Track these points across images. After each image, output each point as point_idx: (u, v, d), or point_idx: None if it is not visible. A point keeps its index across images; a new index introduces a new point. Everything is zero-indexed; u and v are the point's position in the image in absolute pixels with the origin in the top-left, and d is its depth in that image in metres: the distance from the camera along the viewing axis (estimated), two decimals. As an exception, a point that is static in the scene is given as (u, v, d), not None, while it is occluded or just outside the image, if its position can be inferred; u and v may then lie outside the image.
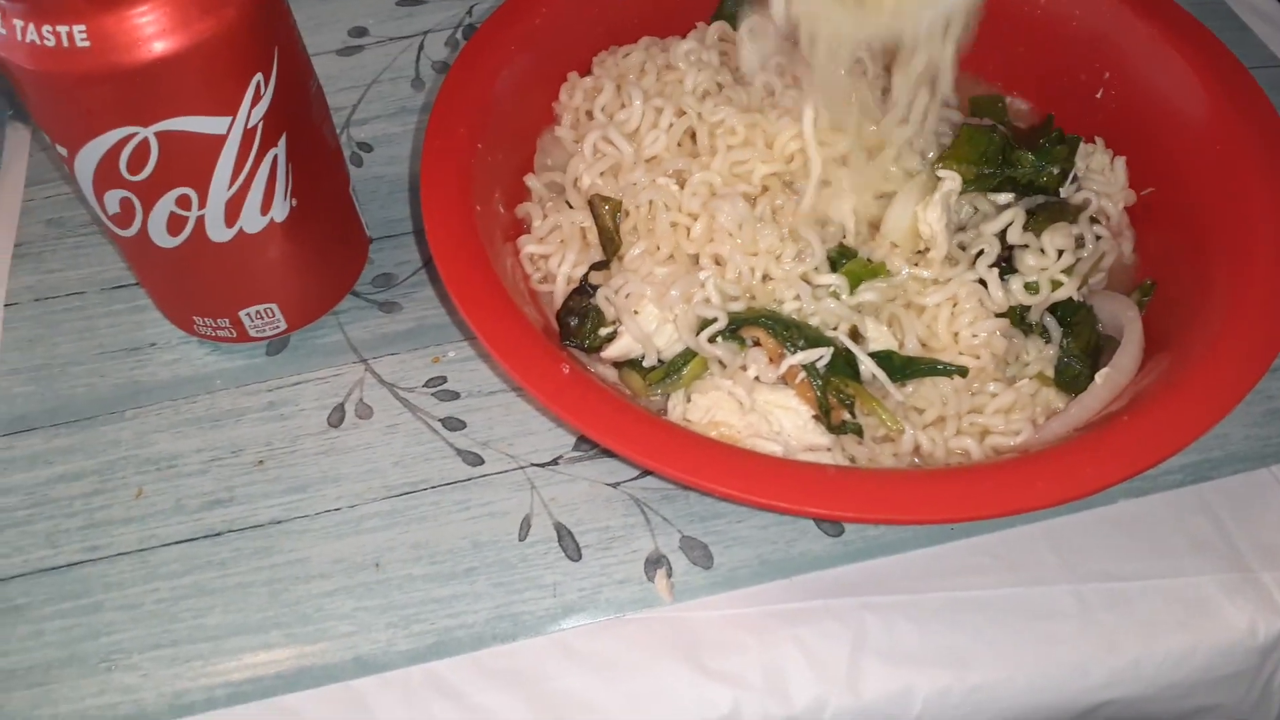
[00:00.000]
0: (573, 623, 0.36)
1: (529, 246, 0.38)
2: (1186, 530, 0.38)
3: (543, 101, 0.43)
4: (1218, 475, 0.39)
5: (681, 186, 0.37)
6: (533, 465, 0.40)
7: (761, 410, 0.33)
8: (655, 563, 0.37)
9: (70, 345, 0.44)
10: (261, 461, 0.41)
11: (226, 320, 0.41)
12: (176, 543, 0.39)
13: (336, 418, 0.42)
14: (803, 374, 0.34)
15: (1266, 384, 0.41)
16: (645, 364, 0.36)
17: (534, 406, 0.41)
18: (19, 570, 0.38)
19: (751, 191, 0.36)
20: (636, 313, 0.35)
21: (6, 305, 0.46)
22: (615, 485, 0.39)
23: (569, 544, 0.38)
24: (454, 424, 0.41)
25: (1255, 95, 0.39)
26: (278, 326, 0.42)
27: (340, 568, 0.38)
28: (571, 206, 0.39)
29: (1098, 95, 0.42)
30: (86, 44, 0.31)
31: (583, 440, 0.40)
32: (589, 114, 0.41)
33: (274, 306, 0.42)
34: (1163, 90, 0.40)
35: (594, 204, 0.37)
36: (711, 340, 0.34)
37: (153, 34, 0.32)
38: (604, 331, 0.36)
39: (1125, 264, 0.40)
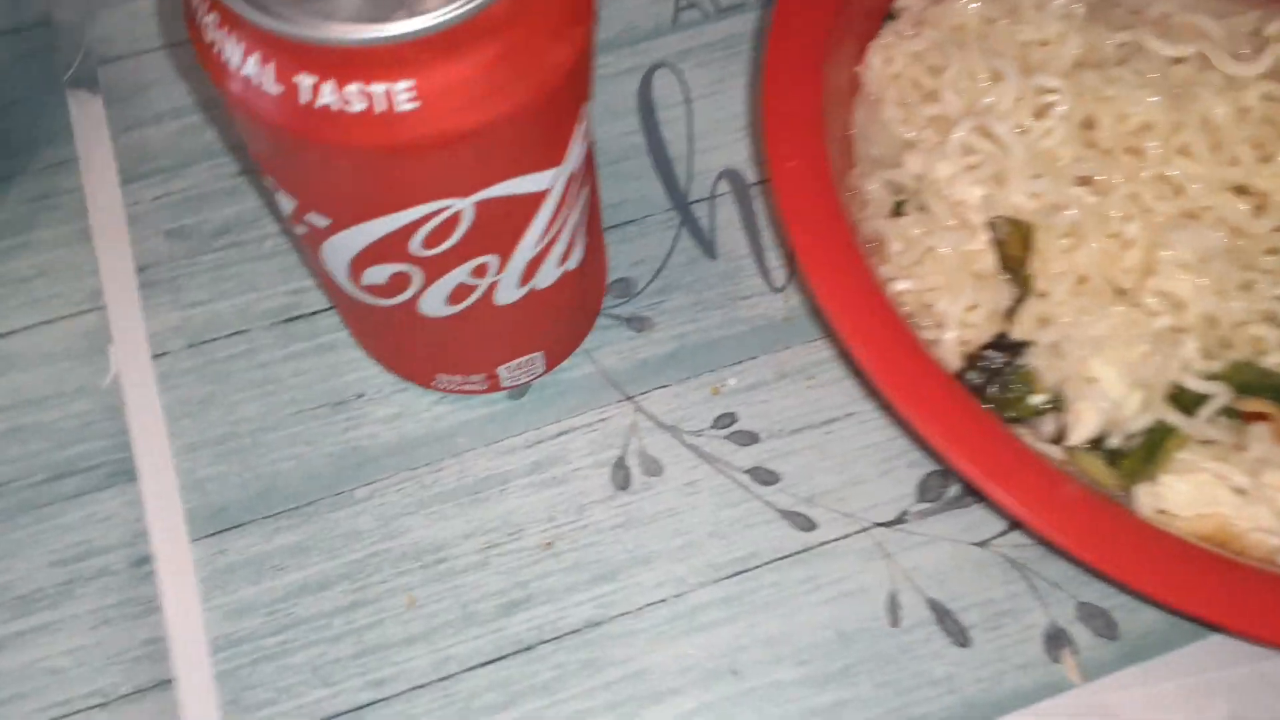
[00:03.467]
0: (979, 721, 0.32)
1: (899, 282, 0.31)
2: None
3: (845, 69, 0.33)
4: None
5: (1100, 197, 0.29)
6: (877, 525, 0.34)
7: (1270, 500, 0.28)
8: (1056, 639, 0.32)
9: (254, 405, 0.35)
10: (550, 543, 0.34)
11: (481, 375, 0.33)
12: (482, 664, 0.32)
13: (621, 477, 0.35)
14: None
15: None
16: (1109, 444, 0.29)
17: (864, 453, 0.35)
18: (296, 721, 0.31)
19: (1192, 207, 0.29)
20: (1092, 380, 0.28)
21: (155, 356, 0.36)
22: (983, 544, 0.34)
23: (951, 625, 0.33)
24: (764, 476, 0.35)
25: None
26: (535, 372, 0.34)
27: (690, 679, 0.32)
28: (931, 216, 0.31)
29: None
30: (413, 106, 0.21)
31: (929, 486, 0.34)
32: (916, 85, 0.32)
33: (539, 355, 0.33)
34: None
35: (996, 228, 0.29)
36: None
37: (495, 86, 0.22)
38: (1035, 400, 0.29)
39: None
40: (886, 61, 0.33)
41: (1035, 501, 0.25)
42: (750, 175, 0.39)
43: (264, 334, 0.36)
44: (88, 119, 0.40)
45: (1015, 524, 0.34)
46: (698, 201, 0.38)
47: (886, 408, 0.35)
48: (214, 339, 0.36)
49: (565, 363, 0.36)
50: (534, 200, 0.26)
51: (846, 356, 0.36)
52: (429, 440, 0.35)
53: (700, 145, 0.39)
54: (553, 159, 0.25)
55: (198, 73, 0.41)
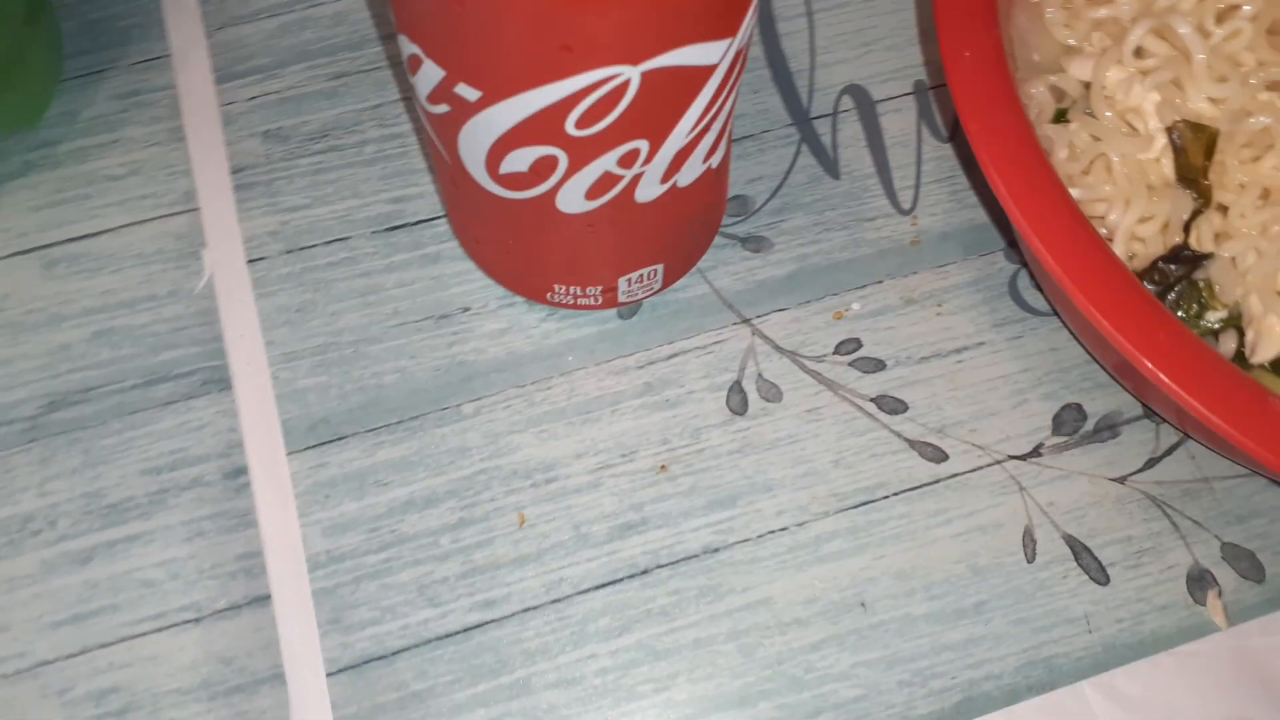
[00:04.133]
0: (1119, 663, 0.30)
1: (1070, 190, 0.29)
2: None
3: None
4: None
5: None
6: (1011, 458, 0.32)
7: None
8: (1199, 580, 0.31)
9: (355, 315, 0.34)
10: (664, 466, 0.32)
11: (598, 288, 0.31)
12: (596, 587, 0.30)
13: (738, 401, 0.33)
14: None
15: None
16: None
17: (996, 383, 0.33)
18: (403, 642, 0.30)
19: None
20: (1280, 293, 0.26)
21: (251, 261, 0.34)
22: (1121, 480, 0.32)
23: (1089, 563, 0.31)
24: (891, 405, 0.33)
25: None
26: (652, 288, 0.33)
27: (816, 610, 0.30)
28: (1099, 123, 0.29)
29: None
30: (601, -48, 0.20)
31: (1064, 420, 0.33)
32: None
33: (659, 267, 0.32)
34: None
35: (1177, 134, 0.27)
36: None
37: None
38: (1213, 317, 0.28)
39: None
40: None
41: (1242, 416, 0.23)
42: (876, 92, 0.37)
43: (365, 242, 0.35)
44: (181, 14, 0.38)
45: (1167, 454, 0.32)
46: (819, 118, 0.37)
47: (1066, 311, 0.32)
48: (312, 245, 0.35)
49: (678, 283, 0.34)
50: (700, 75, 0.24)
51: (1018, 258, 0.34)
52: (537, 357, 0.33)
53: (823, 59, 0.37)
54: (728, 28, 0.23)
55: (292, -27, 0.39)
